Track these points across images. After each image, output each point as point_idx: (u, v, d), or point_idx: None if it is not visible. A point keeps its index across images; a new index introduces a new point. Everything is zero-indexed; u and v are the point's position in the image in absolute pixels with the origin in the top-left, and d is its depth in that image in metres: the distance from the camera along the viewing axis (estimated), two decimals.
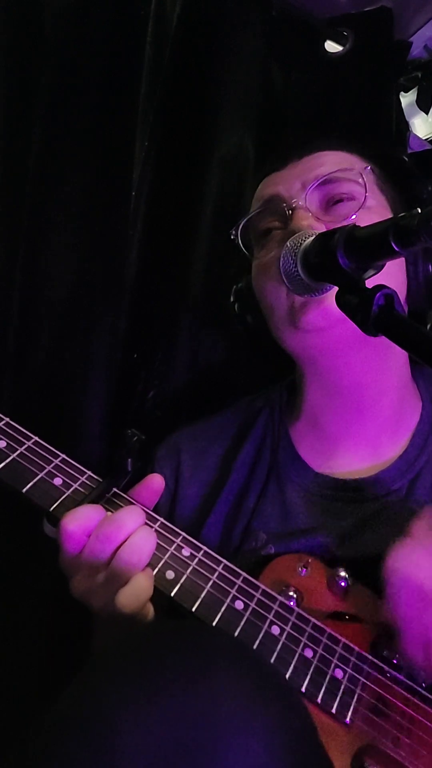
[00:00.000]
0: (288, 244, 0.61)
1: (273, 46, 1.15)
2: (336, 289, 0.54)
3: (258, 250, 0.78)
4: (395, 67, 1.21)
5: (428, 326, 0.98)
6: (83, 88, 1.00)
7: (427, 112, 1.36)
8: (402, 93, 1.30)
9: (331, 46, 1.19)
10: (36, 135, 0.98)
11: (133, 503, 0.63)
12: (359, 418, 0.76)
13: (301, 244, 0.59)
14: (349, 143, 0.79)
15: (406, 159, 0.81)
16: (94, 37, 1.01)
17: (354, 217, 0.71)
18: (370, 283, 0.52)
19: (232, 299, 0.86)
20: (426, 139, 1.38)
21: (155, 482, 0.66)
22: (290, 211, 0.72)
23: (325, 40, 1.18)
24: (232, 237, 0.79)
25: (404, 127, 1.24)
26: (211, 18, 1.10)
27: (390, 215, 0.74)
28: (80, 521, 0.58)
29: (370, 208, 0.72)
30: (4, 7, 0.97)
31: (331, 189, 0.73)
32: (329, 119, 1.17)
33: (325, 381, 0.76)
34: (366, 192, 0.72)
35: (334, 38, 1.18)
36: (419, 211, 0.47)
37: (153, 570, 0.59)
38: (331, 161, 0.75)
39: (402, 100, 1.27)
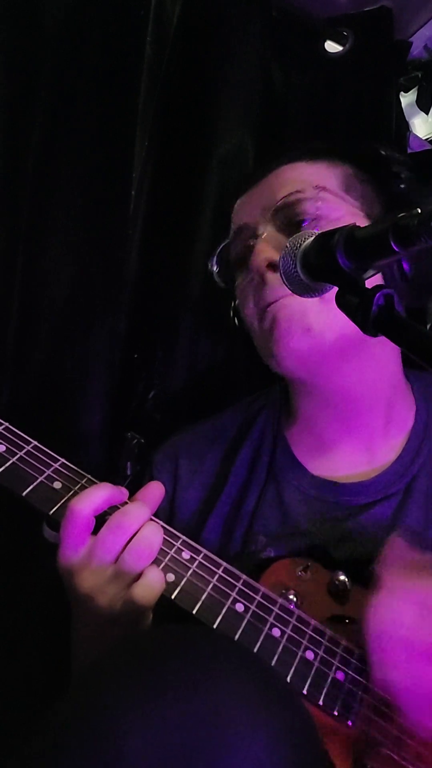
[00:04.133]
0: (288, 244, 0.61)
1: (273, 46, 1.14)
2: (335, 289, 0.54)
3: (237, 277, 0.79)
4: (395, 67, 1.21)
5: (428, 326, 0.98)
6: (83, 88, 1.00)
7: (427, 112, 1.35)
8: (402, 93, 1.29)
9: (331, 46, 1.18)
10: (36, 135, 0.98)
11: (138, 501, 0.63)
12: (353, 425, 0.76)
13: (301, 244, 0.59)
14: (311, 151, 0.78)
15: (383, 152, 0.78)
16: (93, 37, 1.01)
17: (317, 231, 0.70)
18: (369, 284, 0.52)
19: (231, 314, 0.86)
20: (426, 139, 1.37)
21: (156, 489, 0.66)
22: (253, 242, 0.73)
23: (325, 40, 1.18)
24: (210, 268, 0.82)
25: (404, 127, 1.24)
26: (211, 18, 1.09)
27: (363, 217, 0.74)
28: (89, 501, 0.59)
29: (337, 220, 0.71)
30: (4, 7, 0.97)
31: (291, 211, 0.73)
32: (329, 119, 1.17)
33: (313, 396, 0.77)
34: (318, 203, 0.71)
35: (334, 38, 1.18)
36: (419, 210, 0.46)
37: None
38: (290, 180, 0.74)
39: (402, 100, 1.26)
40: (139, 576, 0.58)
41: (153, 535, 0.59)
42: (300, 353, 0.70)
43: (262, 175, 0.78)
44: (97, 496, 0.59)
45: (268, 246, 0.71)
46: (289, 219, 0.73)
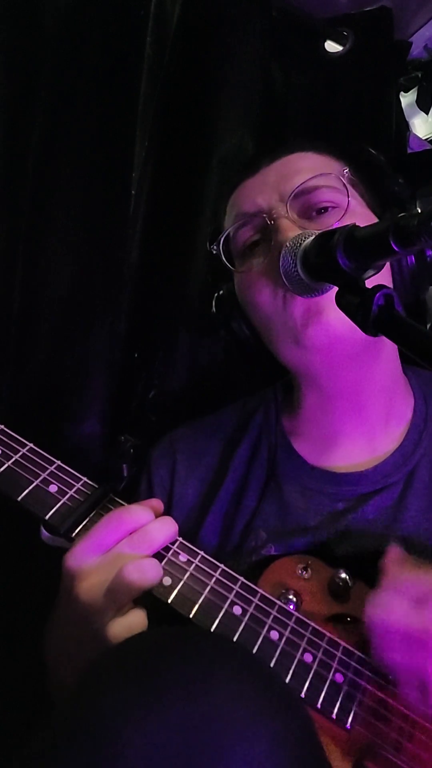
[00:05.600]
0: (288, 244, 0.61)
1: (273, 46, 1.14)
2: (335, 289, 0.54)
3: (241, 263, 0.76)
4: (395, 67, 1.21)
5: (428, 326, 0.98)
6: (83, 88, 1.00)
7: (427, 112, 1.35)
8: (402, 93, 1.30)
9: (331, 46, 1.19)
10: (36, 135, 0.98)
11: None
12: (356, 417, 0.76)
13: (301, 243, 0.59)
14: (319, 144, 0.77)
15: (380, 156, 0.78)
16: (93, 37, 1.01)
17: (337, 224, 0.69)
18: (369, 283, 0.52)
19: (213, 308, 0.83)
20: (426, 139, 1.38)
21: (154, 506, 0.65)
22: (272, 222, 0.70)
23: (325, 40, 1.18)
24: (213, 252, 0.77)
25: (404, 127, 1.24)
26: (211, 18, 1.09)
27: (371, 214, 0.74)
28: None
29: (353, 211, 0.71)
30: (4, 7, 0.97)
31: (312, 197, 0.71)
32: (329, 119, 1.17)
33: (322, 390, 0.77)
34: (348, 197, 0.71)
35: (334, 38, 1.18)
36: (419, 211, 0.46)
37: None
38: (306, 166, 0.73)
39: (402, 100, 1.27)
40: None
41: (155, 530, 0.60)
42: (329, 347, 0.68)
43: (267, 162, 0.76)
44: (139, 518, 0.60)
45: (293, 225, 0.69)
46: (309, 205, 0.71)
